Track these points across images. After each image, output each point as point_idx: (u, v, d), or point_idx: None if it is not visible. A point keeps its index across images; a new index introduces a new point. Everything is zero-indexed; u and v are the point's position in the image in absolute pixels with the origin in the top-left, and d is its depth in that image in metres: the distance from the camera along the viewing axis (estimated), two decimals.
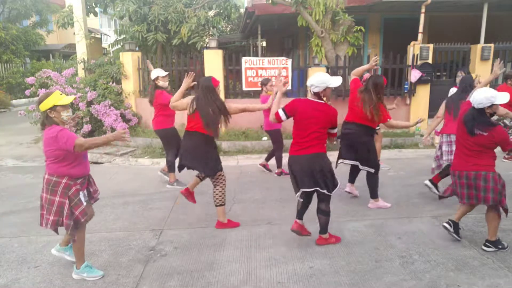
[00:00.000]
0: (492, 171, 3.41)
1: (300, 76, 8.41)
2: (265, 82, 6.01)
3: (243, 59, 8.20)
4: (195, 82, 4.09)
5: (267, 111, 5.89)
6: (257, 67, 8.18)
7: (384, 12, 10.63)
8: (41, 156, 7.77)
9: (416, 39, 8.40)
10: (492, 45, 8.37)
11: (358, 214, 4.46)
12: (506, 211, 3.47)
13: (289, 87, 7.70)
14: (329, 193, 3.53)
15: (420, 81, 8.18)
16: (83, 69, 9.55)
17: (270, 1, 8.21)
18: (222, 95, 8.29)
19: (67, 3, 10.28)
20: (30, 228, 4.14)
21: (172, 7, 9.12)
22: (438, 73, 9.16)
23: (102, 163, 7.27)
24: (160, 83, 5.38)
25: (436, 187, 4.80)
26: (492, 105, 3.31)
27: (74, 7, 9.90)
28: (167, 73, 5.55)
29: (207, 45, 8.94)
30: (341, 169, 4.76)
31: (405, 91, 8.35)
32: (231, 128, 8.22)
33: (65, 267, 3.40)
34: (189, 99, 3.99)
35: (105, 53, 14.33)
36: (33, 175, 6.30)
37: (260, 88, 8.19)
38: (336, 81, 3.55)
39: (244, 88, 8.31)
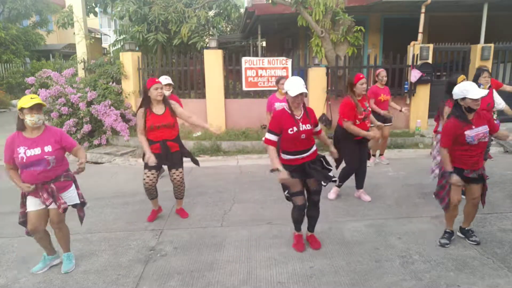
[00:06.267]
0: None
1: (300, 76, 8.40)
2: (278, 80, 5.50)
3: (243, 59, 8.20)
4: None
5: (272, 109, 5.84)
6: (257, 67, 8.18)
7: (384, 12, 10.63)
8: None
9: (416, 39, 8.40)
10: (492, 45, 8.37)
11: (358, 214, 4.46)
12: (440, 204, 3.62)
13: None
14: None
15: (420, 81, 8.17)
16: (83, 69, 9.55)
17: (270, 1, 8.21)
18: (222, 95, 8.32)
19: (67, 3, 10.27)
20: None
21: (172, 7, 9.12)
22: (438, 73, 9.15)
23: (102, 163, 7.27)
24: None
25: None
26: (465, 98, 3.25)
27: (74, 7, 9.90)
28: (167, 82, 5.27)
29: (207, 45, 8.95)
30: None
31: (405, 91, 8.35)
32: (231, 128, 8.23)
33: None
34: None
35: (105, 53, 14.33)
36: None
37: (260, 88, 8.29)
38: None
39: (244, 88, 8.31)
